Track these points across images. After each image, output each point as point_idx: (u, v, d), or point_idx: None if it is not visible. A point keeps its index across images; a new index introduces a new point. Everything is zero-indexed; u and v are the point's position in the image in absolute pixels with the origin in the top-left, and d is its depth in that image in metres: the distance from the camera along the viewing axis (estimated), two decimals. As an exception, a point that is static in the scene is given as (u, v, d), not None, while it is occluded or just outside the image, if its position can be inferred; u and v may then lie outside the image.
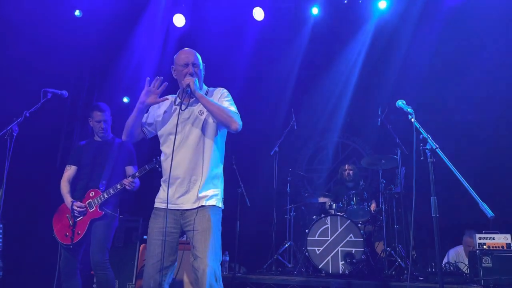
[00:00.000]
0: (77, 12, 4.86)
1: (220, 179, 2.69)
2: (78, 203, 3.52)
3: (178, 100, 2.67)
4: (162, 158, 2.69)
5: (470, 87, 5.29)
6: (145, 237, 4.47)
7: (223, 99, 2.68)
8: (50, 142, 4.31)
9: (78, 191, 3.65)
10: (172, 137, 2.57)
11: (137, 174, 3.61)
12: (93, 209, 3.53)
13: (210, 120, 2.65)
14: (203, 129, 2.63)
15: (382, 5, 5.31)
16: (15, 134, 2.91)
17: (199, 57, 2.76)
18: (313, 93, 6.19)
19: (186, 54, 2.71)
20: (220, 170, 2.71)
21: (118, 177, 3.67)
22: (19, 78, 4.38)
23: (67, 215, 3.57)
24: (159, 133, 2.71)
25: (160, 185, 2.65)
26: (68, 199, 3.57)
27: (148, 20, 5.16)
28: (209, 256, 2.36)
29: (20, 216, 3.92)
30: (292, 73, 6.02)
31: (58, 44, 4.69)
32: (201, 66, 2.76)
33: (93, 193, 3.58)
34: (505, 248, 3.91)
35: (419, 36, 5.35)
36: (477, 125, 5.37)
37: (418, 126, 3.13)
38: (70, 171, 3.72)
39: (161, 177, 2.66)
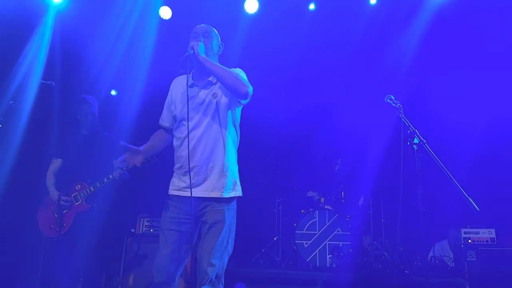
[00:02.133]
0: None
1: (236, 166, 2.61)
2: (65, 197, 3.50)
3: (191, 80, 2.55)
4: (174, 143, 2.59)
5: (457, 84, 5.36)
6: (132, 230, 4.49)
7: (235, 70, 2.57)
8: (35, 134, 4.25)
9: (64, 184, 3.62)
10: (185, 122, 2.49)
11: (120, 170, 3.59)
12: (79, 202, 3.51)
13: (224, 100, 2.54)
14: (218, 113, 2.53)
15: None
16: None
17: (216, 32, 2.67)
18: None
19: (198, 27, 2.64)
20: (235, 156, 2.64)
21: (105, 171, 3.61)
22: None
23: (52, 208, 3.54)
24: (175, 116, 2.61)
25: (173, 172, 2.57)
26: (53, 192, 3.56)
27: (135, 12, 5.04)
28: (214, 253, 2.33)
29: (4, 210, 3.89)
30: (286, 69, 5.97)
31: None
32: (215, 40, 2.66)
33: (79, 186, 3.57)
34: (489, 242, 4.03)
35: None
36: (464, 122, 5.42)
37: (406, 121, 3.15)
38: (56, 164, 3.69)
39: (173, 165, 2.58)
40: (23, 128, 4.12)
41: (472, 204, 3.40)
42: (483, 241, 4.05)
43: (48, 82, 3.41)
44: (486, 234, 4.06)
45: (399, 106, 3.30)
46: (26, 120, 4.15)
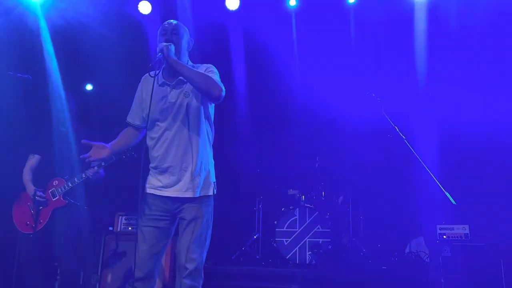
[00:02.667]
0: None
1: (211, 164, 2.62)
2: (40, 193, 3.46)
3: (162, 79, 2.52)
4: (148, 143, 2.56)
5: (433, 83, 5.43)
6: (110, 228, 4.49)
7: (208, 71, 2.54)
8: (11, 129, 4.17)
9: (42, 180, 3.59)
10: (159, 123, 2.50)
11: (102, 164, 3.53)
12: (56, 198, 3.49)
13: (195, 101, 2.52)
14: (188, 113, 2.51)
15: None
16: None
17: (184, 28, 2.64)
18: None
19: (167, 24, 2.60)
20: (210, 154, 2.63)
21: (82, 167, 3.59)
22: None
23: (28, 203, 3.51)
24: (142, 118, 2.60)
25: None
26: (30, 187, 3.52)
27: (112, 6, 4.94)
28: (193, 248, 2.36)
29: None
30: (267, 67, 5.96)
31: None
32: (185, 37, 2.63)
33: (56, 182, 3.55)
34: (463, 238, 4.01)
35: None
36: (437, 120, 5.46)
37: (386, 117, 3.22)
38: (33, 159, 3.65)
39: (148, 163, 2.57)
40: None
41: (449, 199, 3.50)
42: (457, 237, 4.05)
43: (25, 76, 3.38)
44: (460, 230, 4.06)
45: (380, 102, 3.38)
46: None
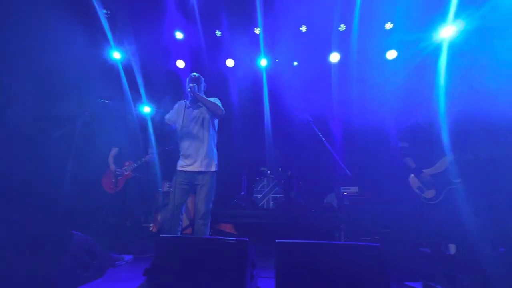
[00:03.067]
0: None
1: (215, 154, 2.62)
2: (118, 169, 3.48)
3: (188, 104, 2.60)
4: (178, 140, 2.60)
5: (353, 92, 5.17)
6: (160, 189, 4.40)
7: (215, 101, 2.62)
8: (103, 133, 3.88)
9: (119, 161, 3.58)
10: (185, 129, 2.54)
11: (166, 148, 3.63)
12: (127, 172, 3.49)
13: (207, 117, 2.58)
14: (203, 123, 2.57)
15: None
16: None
17: (202, 78, 2.66)
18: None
19: (193, 75, 2.63)
20: (214, 148, 2.63)
21: (144, 154, 3.63)
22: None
23: (111, 175, 3.50)
24: (177, 126, 2.62)
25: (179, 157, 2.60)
26: (112, 166, 3.52)
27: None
28: (204, 201, 2.41)
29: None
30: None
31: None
32: (202, 83, 2.66)
33: (128, 163, 3.55)
34: (355, 194, 4.20)
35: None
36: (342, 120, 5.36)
37: (315, 128, 3.37)
38: (115, 150, 3.61)
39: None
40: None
41: (346, 171, 3.72)
42: (352, 194, 4.22)
43: (107, 101, 3.32)
44: (353, 189, 4.23)
45: (311, 119, 3.52)
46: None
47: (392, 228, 4.34)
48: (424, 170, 2.84)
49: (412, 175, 2.91)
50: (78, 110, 3.08)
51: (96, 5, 3.88)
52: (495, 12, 3.21)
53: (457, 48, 3.78)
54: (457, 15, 3.78)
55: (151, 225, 4.36)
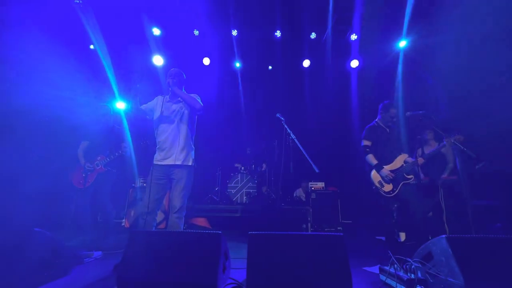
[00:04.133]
0: None
1: (191, 148, 2.51)
2: (88, 163, 3.22)
3: (167, 98, 2.49)
4: (155, 133, 2.47)
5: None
6: (133, 184, 4.25)
7: (193, 95, 2.53)
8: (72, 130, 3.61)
9: (91, 155, 3.30)
10: (163, 122, 2.42)
11: (124, 148, 3.37)
12: (99, 167, 3.26)
13: (186, 112, 2.47)
14: (182, 118, 2.46)
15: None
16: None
17: (181, 72, 2.56)
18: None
19: (172, 70, 2.53)
20: (191, 143, 2.52)
21: (117, 148, 3.38)
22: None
23: (81, 170, 3.26)
24: (154, 119, 2.50)
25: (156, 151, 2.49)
26: (82, 160, 3.27)
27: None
28: (179, 196, 2.30)
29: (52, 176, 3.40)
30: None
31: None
32: (181, 78, 2.54)
33: (100, 157, 3.31)
34: (321, 189, 4.32)
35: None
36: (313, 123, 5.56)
37: (286, 127, 3.41)
38: (84, 144, 3.36)
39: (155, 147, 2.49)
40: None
41: (314, 168, 3.79)
42: (319, 188, 4.31)
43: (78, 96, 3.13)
44: (319, 184, 4.37)
45: (283, 118, 3.57)
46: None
47: (353, 219, 4.63)
48: (385, 166, 2.97)
49: (373, 170, 3.02)
50: (42, 102, 2.76)
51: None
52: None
53: (411, 58, 4.07)
54: (409, 30, 4.07)
55: (123, 220, 4.15)
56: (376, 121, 3.16)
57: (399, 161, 2.95)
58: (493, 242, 1.74)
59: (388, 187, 2.91)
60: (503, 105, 3.15)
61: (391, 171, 2.92)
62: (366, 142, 3.07)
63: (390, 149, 2.99)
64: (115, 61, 4.48)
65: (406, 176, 2.87)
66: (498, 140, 3.19)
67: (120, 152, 3.31)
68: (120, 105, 3.87)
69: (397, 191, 2.84)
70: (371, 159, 3.01)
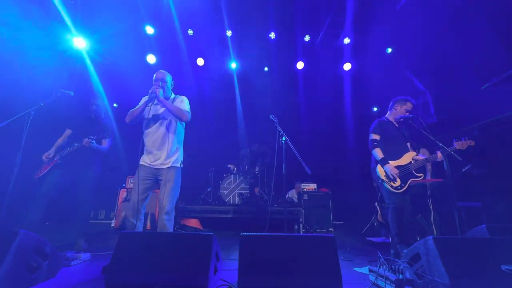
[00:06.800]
0: None
1: (180, 151, 2.47)
2: (47, 154, 2.95)
3: (156, 102, 2.38)
4: (144, 136, 2.42)
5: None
6: (123, 185, 4.19)
7: (180, 102, 2.47)
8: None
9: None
10: (150, 126, 2.39)
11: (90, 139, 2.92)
12: (55, 159, 2.93)
13: (173, 117, 2.43)
14: (169, 121, 2.42)
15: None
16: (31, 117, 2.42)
17: (169, 74, 2.48)
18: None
19: (158, 74, 2.46)
20: (180, 146, 2.49)
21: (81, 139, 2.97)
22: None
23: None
24: (143, 119, 2.44)
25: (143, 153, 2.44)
26: (51, 150, 2.97)
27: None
28: (168, 197, 2.26)
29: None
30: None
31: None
32: (169, 81, 2.47)
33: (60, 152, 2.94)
34: (313, 190, 4.31)
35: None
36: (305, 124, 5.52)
37: (279, 128, 3.39)
38: (67, 132, 3.11)
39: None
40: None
41: (306, 170, 3.77)
42: (311, 190, 4.29)
43: (67, 91, 2.78)
44: (312, 186, 4.34)
45: (275, 119, 3.55)
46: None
47: (344, 220, 4.64)
48: (391, 162, 2.82)
49: (379, 165, 2.88)
50: (31, 101, 2.64)
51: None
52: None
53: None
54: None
55: (113, 221, 4.09)
56: (385, 117, 3.05)
57: (407, 157, 2.83)
58: (478, 242, 1.78)
59: (396, 182, 2.74)
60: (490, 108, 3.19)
61: (397, 167, 2.79)
62: (374, 136, 2.91)
63: (399, 145, 2.87)
64: (109, 61, 4.39)
65: (416, 174, 2.75)
66: (485, 143, 3.25)
67: (76, 145, 2.87)
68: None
69: (405, 187, 2.71)
70: (378, 153, 2.85)
